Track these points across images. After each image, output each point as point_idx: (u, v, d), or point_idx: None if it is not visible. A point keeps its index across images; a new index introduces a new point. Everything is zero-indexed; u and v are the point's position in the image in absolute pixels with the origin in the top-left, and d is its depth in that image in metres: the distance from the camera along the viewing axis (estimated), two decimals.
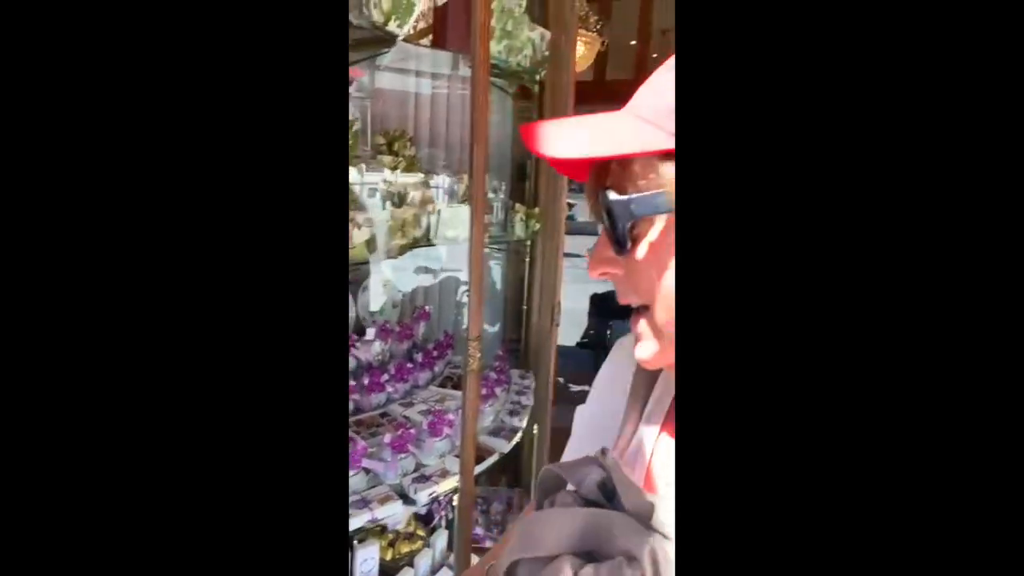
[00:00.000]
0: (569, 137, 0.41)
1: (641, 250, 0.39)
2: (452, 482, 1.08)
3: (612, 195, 0.39)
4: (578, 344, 3.64)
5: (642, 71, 4.04)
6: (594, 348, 3.53)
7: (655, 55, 4.34)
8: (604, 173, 0.41)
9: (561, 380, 3.20)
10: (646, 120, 0.38)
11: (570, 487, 0.41)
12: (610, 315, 3.15)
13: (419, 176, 1.33)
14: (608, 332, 3.13)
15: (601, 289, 3.55)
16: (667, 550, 0.35)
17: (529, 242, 1.64)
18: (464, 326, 2.00)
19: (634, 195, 0.38)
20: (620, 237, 0.39)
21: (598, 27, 2.56)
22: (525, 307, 1.74)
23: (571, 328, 3.71)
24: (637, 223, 0.39)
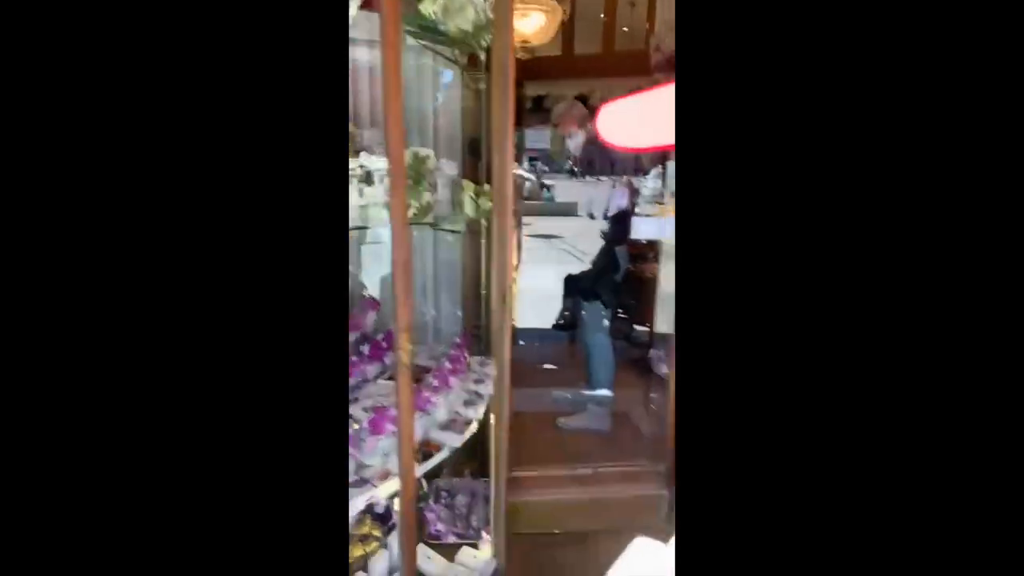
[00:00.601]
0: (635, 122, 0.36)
1: None
2: (395, 484, 1.00)
3: None
4: (554, 326, 3.59)
5: (611, 44, 3.93)
6: (569, 329, 3.48)
7: (625, 28, 4.23)
8: None
9: (546, 365, 3.17)
10: None
11: None
12: (578, 295, 3.10)
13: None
14: (583, 312, 3.07)
15: (575, 270, 3.48)
16: None
17: (484, 222, 1.55)
18: (425, 315, 1.92)
19: None
20: None
21: None
22: (484, 291, 1.65)
23: (549, 310, 3.65)
24: None
